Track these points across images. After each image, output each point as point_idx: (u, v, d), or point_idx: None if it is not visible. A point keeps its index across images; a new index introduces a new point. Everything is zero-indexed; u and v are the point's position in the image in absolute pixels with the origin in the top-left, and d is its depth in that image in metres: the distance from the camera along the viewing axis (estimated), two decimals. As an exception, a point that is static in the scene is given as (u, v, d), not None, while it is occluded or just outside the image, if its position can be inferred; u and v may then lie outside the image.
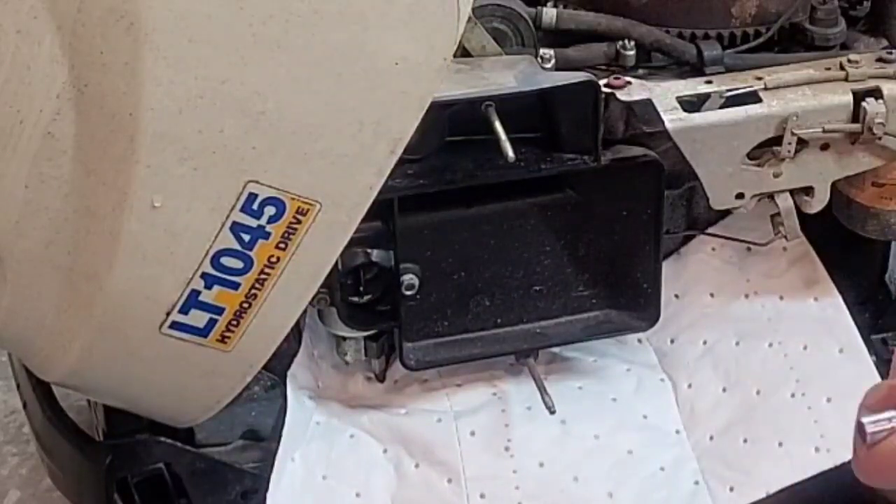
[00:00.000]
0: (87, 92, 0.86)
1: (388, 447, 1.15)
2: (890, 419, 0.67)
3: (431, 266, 1.11)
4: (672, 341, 1.23)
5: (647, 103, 1.10)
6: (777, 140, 1.12)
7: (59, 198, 0.89)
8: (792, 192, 1.15)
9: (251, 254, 0.92)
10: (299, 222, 0.91)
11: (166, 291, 0.92)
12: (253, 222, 0.91)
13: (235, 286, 0.93)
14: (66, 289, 0.93)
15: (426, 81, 0.90)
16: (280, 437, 1.12)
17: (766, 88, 1.12)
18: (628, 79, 1.13)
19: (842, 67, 1.13)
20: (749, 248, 1.23)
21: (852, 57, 1.14)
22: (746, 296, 1.23)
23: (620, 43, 1.17)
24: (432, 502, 1.13)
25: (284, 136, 0.89)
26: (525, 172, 1.07)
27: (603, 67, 1.17)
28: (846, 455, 0.84)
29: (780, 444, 1.16)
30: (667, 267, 1.17)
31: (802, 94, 1.12)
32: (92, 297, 0.92)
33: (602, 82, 1.08)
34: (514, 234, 1.13)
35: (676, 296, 1.23)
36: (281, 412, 1.13)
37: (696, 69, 1.16)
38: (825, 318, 1.21)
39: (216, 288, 0.93)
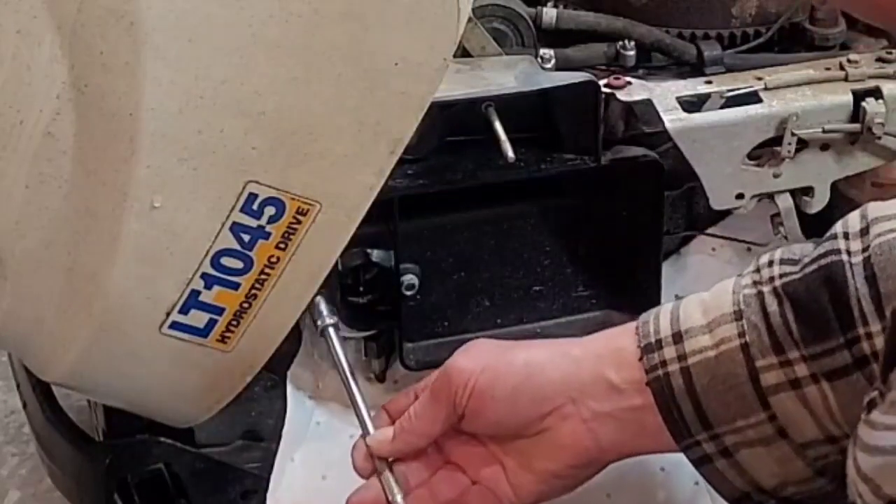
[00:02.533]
0: (87, 92, 0.86)
1: (388, 447, 1.15)
2: None
3: (431, 266, 1.11)
4: (672, 341, 1.22)
5: (647, 103, 1.10)
6: (777, 140, 1.12)
7: (59, 198, 0.89)
8: (792, 192, 1.15)
9: (251, 254, 0.92)
10: (299, 222, 0.91)
11: (166, 291, 0.92)
12: (253, 222, 0.91)
13: (235, 286, 0.93)
14: (66, 289, 0.93)
15: (426, 81, 0.90)
16: (280, 437, 1.12)
17: (766, 88, 1.12)
18: (628, 79, 1.13)
19: (842, 67, 1.13)
20: (749, 248, 1.23)
21: (852, 57, 1.14)
22: (746, 296, 1.23)
23: (620, 43, 1.17)
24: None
25: (284, 136, 0.89)
26: (525, 172, 1.07)
27: (603, 67, 1.18)
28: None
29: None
30: (667, 267, 1.17)
31: (802, 94, 1.12)
32: (92, 297, 0.92)
33: (602, 82, 1.08)
34: (514, 235, 1.13)
35: (676, 296, 1.22)
36: (281, 412, 1.13)
37: (696, 69, 1.17)
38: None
39: (216, 288, 0.93)
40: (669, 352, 0.88)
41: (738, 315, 0.87)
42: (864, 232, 0.84)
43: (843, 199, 1.18)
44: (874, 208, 0.86)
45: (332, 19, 0.87)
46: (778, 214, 1.15)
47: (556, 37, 1.18)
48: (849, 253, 0.84)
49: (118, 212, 0.89)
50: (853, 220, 0.86)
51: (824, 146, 1.13)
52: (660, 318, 0.90)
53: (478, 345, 0.94)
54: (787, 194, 1.15)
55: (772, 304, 0.86)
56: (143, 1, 0.84)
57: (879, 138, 1.11)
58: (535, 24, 1.16)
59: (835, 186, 1.15)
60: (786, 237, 1.16)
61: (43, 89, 0.86)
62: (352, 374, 1.00)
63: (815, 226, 1.18)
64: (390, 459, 0.94)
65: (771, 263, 0.88)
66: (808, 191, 1.15)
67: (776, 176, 1.13)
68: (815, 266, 0.85)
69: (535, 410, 0.91)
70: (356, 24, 0.87)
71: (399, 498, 0.92)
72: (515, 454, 0.93)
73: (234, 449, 1.15)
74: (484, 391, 0.90)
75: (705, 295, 0.90)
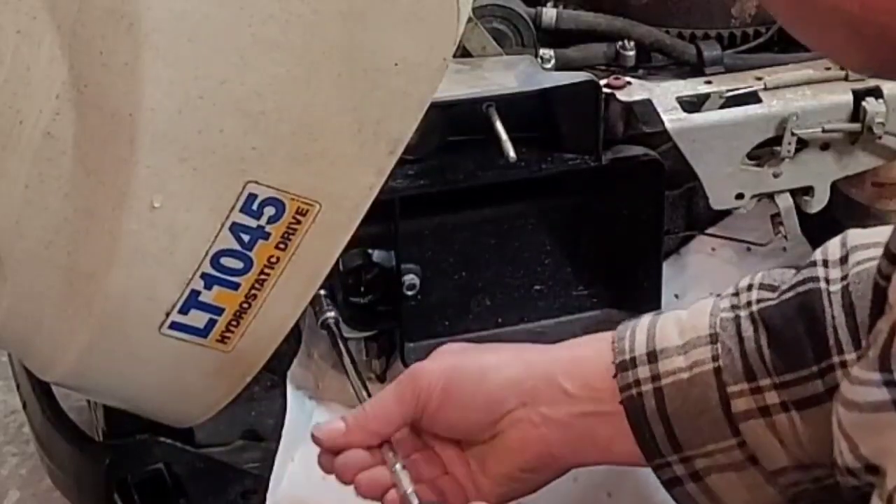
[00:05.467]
0: (86, 92, 0.86)
1: (388, 447, 1.15)
2: None
3: (432, 266, 1.11)
4: (672, 341, 1.22)
5: (647, 103, 1.10)
6: (777, 140, 1.12)
7: (59, 198, 0.89)
8: (792, 192, 1.15)
9: (251, 254, 0.92)
10: (299, 223, 0.91)
11: (166, 291, 0.92)
12: (253, 223, 0.91)
13: (235, 286, 0.93)
14: (65, 289, 0.93)
15: (426, 81, 0.90)
16: (280, 436, 1.12)
17: (765, 88, 1.12)
18: (628, 79, 1.13)
19: (841, 67, 1.13)
20: (749, 248, 1.23)
21: (852, 57, 1.14)
22: (746, 295, 1.23)
23: (620, 43, 1.17)
24: (432, 502, 1.12)
25: (284, 136, 0.89)
26: (526, 172, 1.07)
27: (603, 67, 1.17)
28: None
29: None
30: (667, 267, 1.17)
31: (802, 94, 1.12)
32: (92, 297, 0.92)
33: (602, 82, 1.08)
34: (515, 234, 1.13)
35: (676, 296, 1.23)
36: (281, 412, 1.13)
37: (696, 69, 1.17)
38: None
39: (216, 288, 0.93)
40: (643, 371, 0.87)
41: (714, 338, 0.86)
42: (844, 260, 0.84)
43: (843, 198, 1.18)
44: (854, 236, 0.86)
45: (332, 19, 0.87)
46: (778, 214, 1.15)
47: (556, 37, 1.18)
48: (827, 281, 0.84)
49: (118, 212, 0.89)
50: (833, 247, 0.86)
51: (824, 146, 1.13)
52: (636, 335, 0.89)
53: (446, 348, 0.94)
54: (787, 194, 1.15)
55: (747, 330, 0.85)
56: (143, 1, 0.84)
57: (880, 138, 1.11)
58: (535, 24, 1.16)
59: (835, 186, 1.15)
60: (786, 237, 1.16)
61: (43, 89, 0.86)
62: (349, 355, 1.00)
63: (814, 225, 1.19)
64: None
65: (750, 288, 0.88)
66: (807, 190, 1.15)
67: (776, 176, 1.13)
68: (792, 293, 0.85)
69: (488, 415, 0.90)
70: (356, 24, 0.87)
71: (404, 477, 0.90)
72: (474, 457, 0.92)
73: (234, 449, 1.15)
74: (442, 393, 0.90)
75: (683, 314, 0.90)
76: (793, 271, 0.87)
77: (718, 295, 0.90)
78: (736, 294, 0.88)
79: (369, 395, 0.98)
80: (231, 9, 0.85)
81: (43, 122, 0.87)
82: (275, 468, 1.11)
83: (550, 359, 0.91)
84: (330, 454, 0.93)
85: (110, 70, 0.85)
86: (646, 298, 1.14)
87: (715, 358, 0.85)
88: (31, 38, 0.85)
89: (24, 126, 0.87)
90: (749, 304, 0.87)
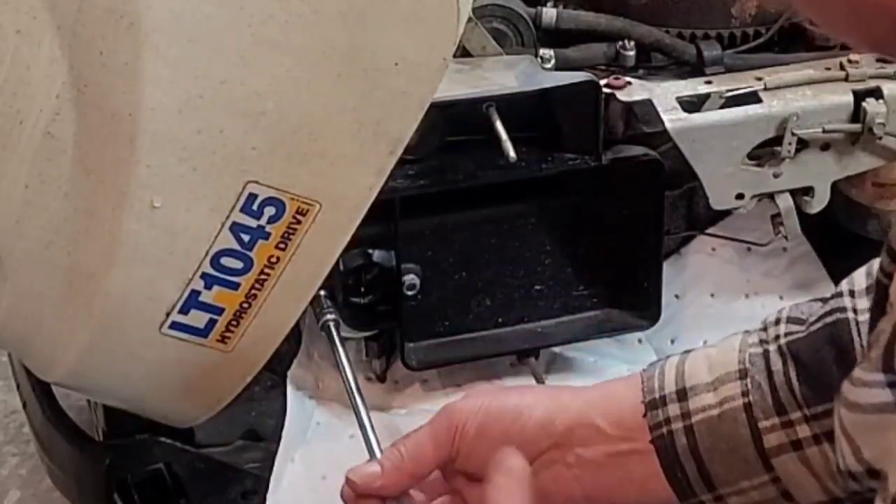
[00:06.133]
0: (86, 92, 0.86)
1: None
2: None
3: (432, 266, 1.11)
4: (672, 341, 1.22)
5: (647, 103, 1.10)
6: (777, 140, 1.12)
7: (59, 198, 0.89)
8: (792, 192, 1.15)
9: (251, 254, 0.92)
10: (299, 223, 0.91)
11: (166, 291, 0.92)
12: (253, 222, 0.91)
13: (235, 286, 0.93)
14: (65, 289, 0.93)
15: (426, 81, 0.90)
16: (280, 437, 1.12)
17: (766, 88, 1.12)
18: (628, 79, 1.13)
19: (842, 67, 1.13)
20: (749, 248, 1.23)
21: (852, 57, 1.14)
22: (746, 296, 1.23)
23: (620, 43, 1.17)
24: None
25: (284, 136, 0.89)
26: (526, 172, 1.07)
27: (603, 67, 1.18)
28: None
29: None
30: (667, 267, 1.17)
31: (802, 94, 1.12)
32: (92, 297, 0.92)
33: (602, 82, 1.08)
34: (515, 234, 1.13)
35: (676, 296, 1.23)
36: (281, 412, 1.13)
37: (696, 69, 1.17)
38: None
39: (216, 288, 0.93)
40: (674, 409, 0.86)
41: (743, 374, 0.86)
42: (870, 289, 0.83)
43: (843, 199, 1.18)
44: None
45: (332, 19, 0.87)
46: (778, 214, 1.15)
47: (556, 37, 1.18)
48: (855, 311, 0.83)
49: (118, 212, 0.89)
50: (859, 277, 0.85)
51: (825, 146, 1.13)
52: (665, 373, 0.88)
53: (478, 389, 0.93)
54: (787, 194, 1.15)
55: (776, 364, 0.85)
56: (143, 1, 0.84)
57: (880, 138, 1.11)
58: (535, 24, 1.16)
59: (835, 186, 1.15)
60: (786, 237, 1.16)
61: (43, 89, 0.86)
62: (352, 372, 1.00)
63: (815, 226, 1.19)
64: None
65: (778, 322, 0.87)
66: (808, 191, 1.15)
67: (776, 176, 1.13)
68: (820, 325, 0.84)
69: (523, 454, 0.88)
70: (356, 24, 0.87)
71: None
72: None
73: (234, 449, 1.15)
74: (477, 432, 0.89)
75: (712, 350, 0.89)
76: (819, 303, 0.86)
77: (747, 331, 0.89)
78: (764, 329, 0.88)
79: (363, 401, 0.97)
80: (231, 9, 0.85)
81: (43, 122, 0.87)
82: (275, 468, 1.11)
83: (584, 399, 0.90)
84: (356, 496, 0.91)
85: (110, 70, 0.85)
86: (646, 298, 1.14)
87: (745, 394, 0.85)
88: (31, 38, 0.85)
89: (24, 126, 0.87)
90: (777, 337, 0.86)
